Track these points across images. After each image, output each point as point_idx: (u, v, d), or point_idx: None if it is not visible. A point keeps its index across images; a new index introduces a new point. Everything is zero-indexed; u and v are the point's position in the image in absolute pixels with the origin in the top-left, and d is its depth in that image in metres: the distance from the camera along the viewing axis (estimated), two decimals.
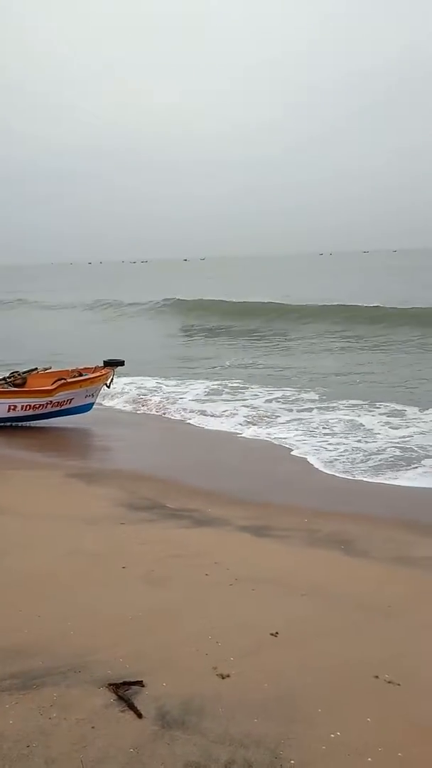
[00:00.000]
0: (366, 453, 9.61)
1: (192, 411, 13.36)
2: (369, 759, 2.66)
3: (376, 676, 3.31)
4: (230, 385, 15.94)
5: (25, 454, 10.13)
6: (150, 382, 16.71)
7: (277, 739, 2.77)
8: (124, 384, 16.20)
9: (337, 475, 8.75)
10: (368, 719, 2.93)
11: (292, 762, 2.62)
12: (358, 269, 79.55)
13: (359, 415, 11.82)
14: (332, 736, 2.80)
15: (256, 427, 11.62)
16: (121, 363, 13.28)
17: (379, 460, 9.07)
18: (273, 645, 3.66)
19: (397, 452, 9.35)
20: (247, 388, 15.58)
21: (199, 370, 18.63)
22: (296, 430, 11.25)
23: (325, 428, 11.19)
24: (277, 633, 3.79)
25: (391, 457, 9.19)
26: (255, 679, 3.27)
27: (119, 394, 14.97)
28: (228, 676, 3.29)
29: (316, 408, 12.81)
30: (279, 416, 12.34)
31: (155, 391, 15.94)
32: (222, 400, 14.48)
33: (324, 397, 13.50)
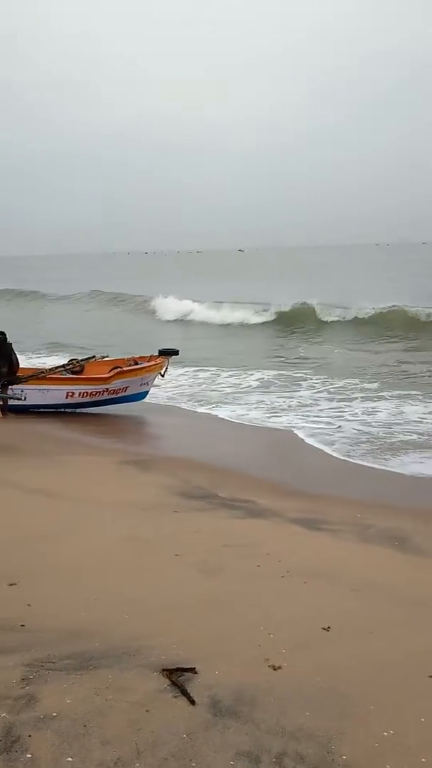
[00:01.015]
0: (422, 449, 9.47)
1: (245, 402, 13.40)
2: (423, 759, 2.63)
3: (431, 676, 3.26)
4: (288, 378, 15.93)
5: (80, 440, 10.34)
6: (206, 372, 16.83)
7: (329, 733, 2.76)
8: (181, 373, 16.38)
9: (391, 469, 8.64)
10: (422, 719, 2.89)
11: (344, 757, 2.61)
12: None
13: (415, 412, 11.67)
14: (385, 734, 2.77)
15: (308, 419, 11.56)
16: (175, 352, 13.41)
17: None
18: (325, 639, 3.65)
19: None
20: (307, 380, 15.54)
21: (266, 362, 18.65)
22: (349, 423, 11.17)
23: (379, 423, 11.07)
24: (329, 627, 3.77)
25: None
26: (307, 672, 3.26)
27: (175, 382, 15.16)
28: (280, 667, 3.29)
29: (369, 402, 12.70)
30: (333, 410, 12.27)
31: (210, 380, 16.06)
32: (278, 392, 14.46)
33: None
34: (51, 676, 3.03)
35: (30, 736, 2.58)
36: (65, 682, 3.00)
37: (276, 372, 16.70)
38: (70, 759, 2.48)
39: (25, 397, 11.17)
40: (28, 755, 2.48)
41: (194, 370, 17.11)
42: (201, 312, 30.37)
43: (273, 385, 15.22)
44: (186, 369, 16.98)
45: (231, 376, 16.45)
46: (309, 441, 10.24)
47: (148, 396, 13.12)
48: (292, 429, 11.06)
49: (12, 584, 4.15)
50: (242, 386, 15.30)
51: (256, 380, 15.82)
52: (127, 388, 12.53)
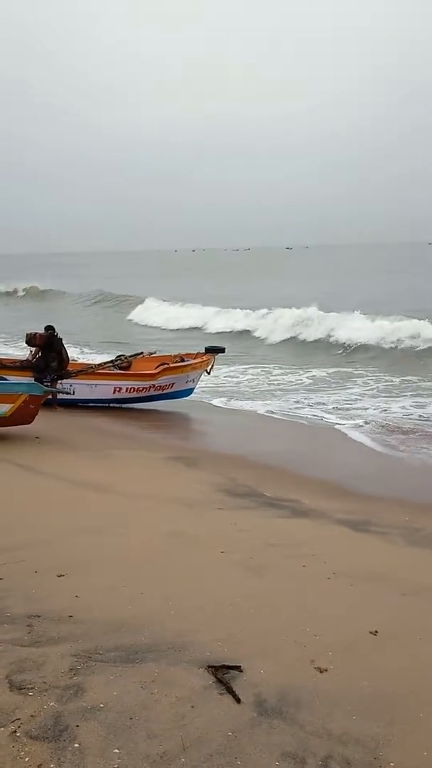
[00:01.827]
0: None
1: (295, 401, 13.34)
2: None
3: None
4: (342, 375, 15.80)
5: (127, 435, 10.44)
6: (255, 369, 16.83)
7: (377, 739, 2.71)
8: (229, 371, 16.41)
9: None
10: None
11: (392, 764, 2.57)
12: None
13: None
14: None
15: (357, 419, 11.42)
16: (221, 350, 13.43)
17: None
18: (372, 643, 3.59)
19: None
20: (356, 380, 15.38)
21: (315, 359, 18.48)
22: (401, 421, 11.00)
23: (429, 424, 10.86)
24: (376, 631, 3.71)
25: None
26: (354, 676, 3.22)
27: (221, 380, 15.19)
28: (326, 670, 3.26)
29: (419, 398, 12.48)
30: (383, 410, 12.09)
31: (259, 378, 16.05)
32: (325, 390, 14.35)
33: None
34: (98, 668, 3.06)
35: (78, 726, 2.62)
36: (112, 674, 3.03)
37: (332, 369, 16.58)
38: (116, 750, 2.50)
39: (73, 392, 11.34)
40: (76, 745, 2.51)
41: (245, 368, 17.18)
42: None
43: (325, 382, 15.14)
44: (241, 366, 17.08)
45: (285, 373, 16.43)
46: (358, 438, 10.13)
47: (194, 393, 13.17)
48: (342, 426, 10.96)
49: (60, 575, 4.21)
50: (293, 383, 15.26)
51: (309, 377, 15.77)
52: (173, 384, 12.59)
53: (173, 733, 2.64)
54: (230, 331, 25.29)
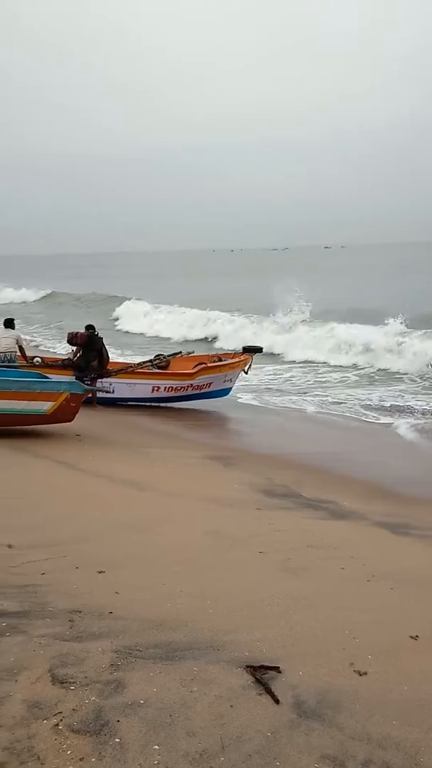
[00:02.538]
0: None
1: (338, 398, 13.28)
2: None
3: None
4: (389, 373, 15.62)
5: (166, 434, 10.52)
6: (291, 372, 16.77)
7: (418, 745, 2.68)
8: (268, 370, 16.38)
9: None
10: None
11: None
12: None
13: None
14: None
15: (401, 417, 11.29)
16: (259, 350, 13.43)
17: None
18: (413, 648, 3.55)
19: None
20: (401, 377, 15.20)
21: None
22: None
23: None
24: (417, 636, 3.66)
25: None
26: (394, 680, 3.19)
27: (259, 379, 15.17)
28: (365, 673, 3.23)
29: None
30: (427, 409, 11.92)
31: (295, 378, 15.99)
32: (364, 388, 14.23)
33: None
34: (138, 664, 3.10)
35: (118, 721, 2.65)
36: (152, 670, 3.06)
37: (380, 366, 16.39)
38: (156, 747, 2.53)
39: (113, 390, 11.48)
40: (117, 739, 2.55)
41: (289, 366, 17.14)
42: None
43: (368, 378, 15.03)
44: (281, 365, 17.04)
45: (332, 370, 16.35)
46: (400, 437, 10.02)
47: (231, 392, 13.20)
48: (385, 424, 10.86)
49: (101, 572, 4.27)
50: (337, 380, 15.19)
51: (356, 374, 15.66)
52: (211, 383, 12.64)
53: (212, 731, 2.65)
54: None
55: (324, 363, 17.40)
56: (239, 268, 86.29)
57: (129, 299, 33.62)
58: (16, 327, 12.67)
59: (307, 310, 23.16)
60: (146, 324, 27.58)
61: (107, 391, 10.88)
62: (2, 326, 12.51)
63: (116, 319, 30.20)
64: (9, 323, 12.44)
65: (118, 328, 28.13)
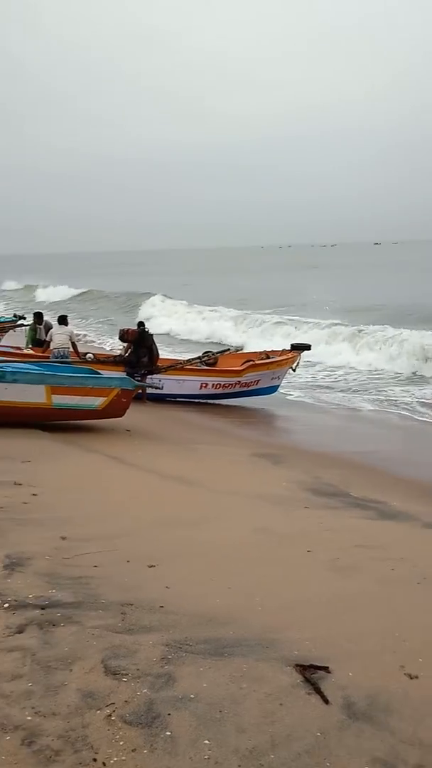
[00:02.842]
0: None
1: (384, 399, 13.10)
2: None
3: None
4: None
5: (214, 430, 10.58)
6: (340, 372, 16.60)
7: None
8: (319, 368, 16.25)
9: None
10: None
11: None
12: None
13: None
14: None
15: None
16: (308, 347, 13.37)
17: None
18: None
19: None
20: None
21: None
22: None
23: None
24: None
25: None
26: None
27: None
28: (416, 677, 3.19)
29: None
30: None
31: (344, 376, 15.84)
32: (419, 385, 14.00)
33: None
34: (188, 659, 3.14)
35: (169, 714, 2.69)
36: (201, 665, 3.09)
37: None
38: (207, 742, 2.56)
39: (162, 386, 11.61)
40: (168, 733, 2.59)
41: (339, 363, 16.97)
42: None
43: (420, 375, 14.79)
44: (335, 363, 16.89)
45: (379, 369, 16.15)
46: None
47: (280, 389, 13.19)
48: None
49: (151, 566, 4.34)
50: (391, 377, 15.00)
51: (411, 371, 15.41)
52: (258, 381, 12.65)
53: (262, 728, 2.67)
54: None
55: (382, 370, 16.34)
56: (292, 264, 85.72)
57: (165, 297, 33.78)
58: (70, 323, 12.96)
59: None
60: (181, 323, 27.20)
61: (157, 388, 11.01)
62: (56, 323, 12.81)
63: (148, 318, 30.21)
64: (63, 320, 12.73)
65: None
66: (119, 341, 13.05)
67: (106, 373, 10.38)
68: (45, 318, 15.12)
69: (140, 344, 12.03)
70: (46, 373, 9.07)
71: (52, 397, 8.69)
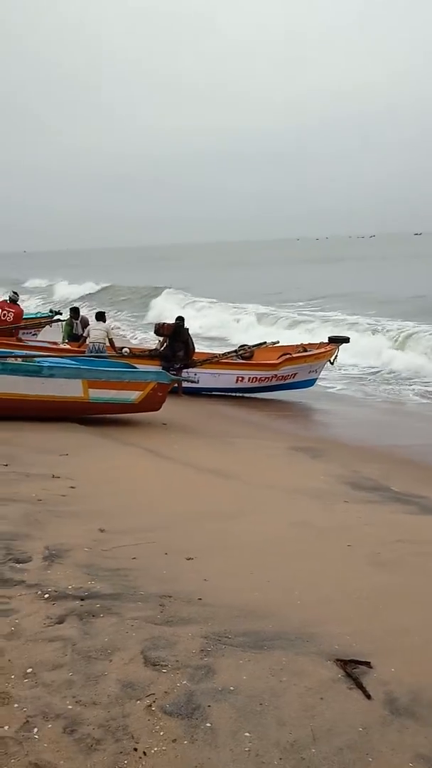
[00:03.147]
0: None
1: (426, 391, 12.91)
2: None
3: None
4: None
5: (251, 424, 10.55)
6: (378, 361, 16.39)
7: None
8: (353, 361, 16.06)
9: None
10: None
11: None
12: None
13: None
14: None
15: None
16: (346, 340, 13.21)
17: None
18: None
19: None
20: None
21: None
22: None
23: None
24: None
25: None
26: None
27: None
28: None
29: None
30: None
31: (383, 368, 15.63)
32: None
33: None
34: (227, 651, 3.12)
35: (209, 706, 2.68)
36: (241, 658, 3.07)
37: None
38: (247, 734, 2.54)
39: (198, 380, 11.61)
40: (208, 724, 2.58)
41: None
42: None
43: None
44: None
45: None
46: None
47: (319, 381, 13.10)
48: None
49: (189, 558, 4.33)
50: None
51: None
52: (295, 374, 12.55)
53: (303, 722, 2.63)
54: None
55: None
56: (322, 257, 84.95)
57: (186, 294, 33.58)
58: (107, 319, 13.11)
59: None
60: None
61: (193, 381, 11.02)
62: (94, 319, 12.98)
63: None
64: (100, 316, 12.91)
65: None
66: (154, 335, 13.08)
67: (142, 367, 10.43)
68: (81, 313, 15.27)
69: (176, 338, 12.05)
70: (82, 367, 9.16)
71: (89, 391, 8.77)
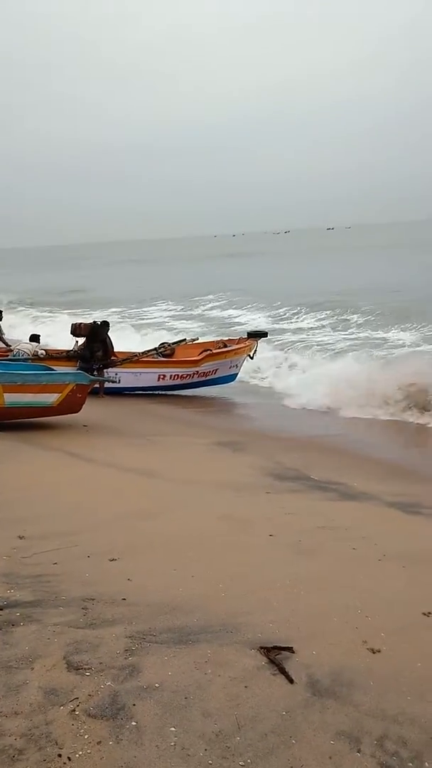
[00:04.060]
0: None
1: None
2: None
3: None
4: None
5: (173, 422, 10.53)
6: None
7: None
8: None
9: None
10: None
11: None
12: None
13: None
14: None
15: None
16: (264, 334, 13.41)
17: None
18: (426, 625, 3.56)
19: None
20: None
21: None
22: None
23: None
24: (430, 613, 3.67)
25: None
26: (407, 657, 3.20)
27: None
28: (378, 651, 3.24)
29: None
30: None
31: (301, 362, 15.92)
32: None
33: None
34: (152, 649, 3.12)
35: (134, 705, 2.68)
36: (166, 654, 3.08)
37: None
38: (173, 729, 2.55)
39: (119, 380, 11.49)
40: (133, 723, 2.57)
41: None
42: None
43: None
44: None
45: None
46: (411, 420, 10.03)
47: (237, 378, 13.21)
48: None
49: (113, 559, 4.29)
50: None
51: None
52: (216, 370, 12.65)
53: (228, 712, 2.67)
54: None
55: None
56: (247, 251, 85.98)
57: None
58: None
59: None
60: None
61: (113, 381, 10.89)
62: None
63: None
64: (34, 338, 12.50)
65: None
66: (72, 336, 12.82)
67: (59, 368, 10.22)
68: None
69: (94, 338, 11.88)
70: None
71: (5, 395, 8.51)
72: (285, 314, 24.54)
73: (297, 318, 23.54)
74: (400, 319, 20.02)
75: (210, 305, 29.35)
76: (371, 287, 28.81)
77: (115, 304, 30.41)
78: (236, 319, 24.62)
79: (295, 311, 24.59)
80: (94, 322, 12.21)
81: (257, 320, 23.35)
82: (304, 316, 23.52)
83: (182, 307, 29.48)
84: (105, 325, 12.16)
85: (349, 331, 20.18)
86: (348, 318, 21.98)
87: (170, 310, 28.75)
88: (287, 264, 55.13)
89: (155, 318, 26.38)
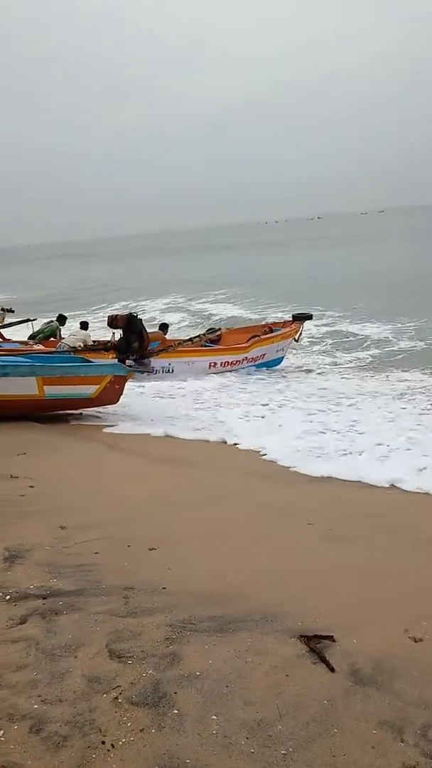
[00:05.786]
0: None
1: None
2: None
3: None
4: None
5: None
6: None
7: None
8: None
9: None
10: None
11: None
12: None
13: None
14: None
15: None
16: (309, 317, 13.44)
17: None
18: None
19: None
20: None
21: None
22: None
23: None
24: None
25: None
26: None
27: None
28: (421, 640, 3.20)
29: None
30: None
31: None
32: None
33: None
34: (193, 637, 3.14)
35: (176, 693, 2.70)
36: (206, 643, 3.09)
37: None
38: (214, 717, 2.57)
39: (172, 370, 11.73)
40: (175, 711, 2.60)
41: None
42: None
43: None
44: None
45: None
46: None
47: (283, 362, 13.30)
48: None
49: (152, 549, 4.33)
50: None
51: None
52: (264, 355, 12.76)
53: (269, 701, 2.68)
54: None
55: None
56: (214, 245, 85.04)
57: None
58: None
59: None
60: None
61: (149, 372, 11.00)
62: (78, 327, 13.06)
63: None
64: (84, 325, 13.01)
65: None
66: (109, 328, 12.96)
67: (97, 360, 10.33)
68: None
69: (130, 330, 11.97)
70: (36, 364, 9.02)
71: (45, 388, 8.65)
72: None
73: None
74: None
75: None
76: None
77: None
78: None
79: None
80: (130, 313, 12.30)
81: None
82: None
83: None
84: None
85: None
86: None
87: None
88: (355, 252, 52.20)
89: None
